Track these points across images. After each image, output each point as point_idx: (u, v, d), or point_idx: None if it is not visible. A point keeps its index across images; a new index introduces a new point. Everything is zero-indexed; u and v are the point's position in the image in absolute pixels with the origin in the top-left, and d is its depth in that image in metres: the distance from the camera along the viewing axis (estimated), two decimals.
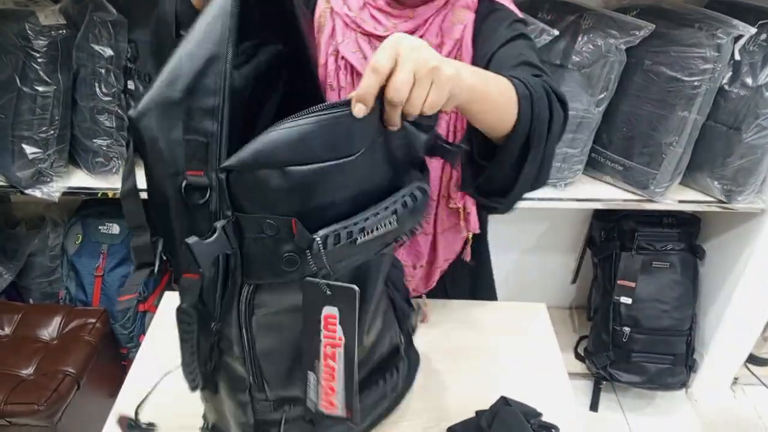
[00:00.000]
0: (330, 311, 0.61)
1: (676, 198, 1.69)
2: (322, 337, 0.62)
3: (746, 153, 1.57)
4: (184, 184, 0.57)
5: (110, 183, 1.69)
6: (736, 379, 2.12)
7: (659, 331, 1.92)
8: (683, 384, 1.99)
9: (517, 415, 0.96)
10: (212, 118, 0.56)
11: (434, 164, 1.02)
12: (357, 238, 0.58)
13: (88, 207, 1.91)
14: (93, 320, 1.77)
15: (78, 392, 1.62)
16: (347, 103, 0.54)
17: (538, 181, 0.77)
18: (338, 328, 0.61)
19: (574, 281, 2.33)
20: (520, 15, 0.95)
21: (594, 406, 2.05)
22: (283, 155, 0.52)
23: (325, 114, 0.53)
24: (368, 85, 0.54)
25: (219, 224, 0.56)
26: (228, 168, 0.54)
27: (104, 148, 1.64)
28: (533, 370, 1.12)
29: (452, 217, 1.08)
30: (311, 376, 0.65)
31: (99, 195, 1.69)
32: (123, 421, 0.96)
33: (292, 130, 0.52)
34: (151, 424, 0.96)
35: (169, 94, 0.55)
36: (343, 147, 0.55)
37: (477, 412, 0.98)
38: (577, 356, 2.15)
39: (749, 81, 1.50)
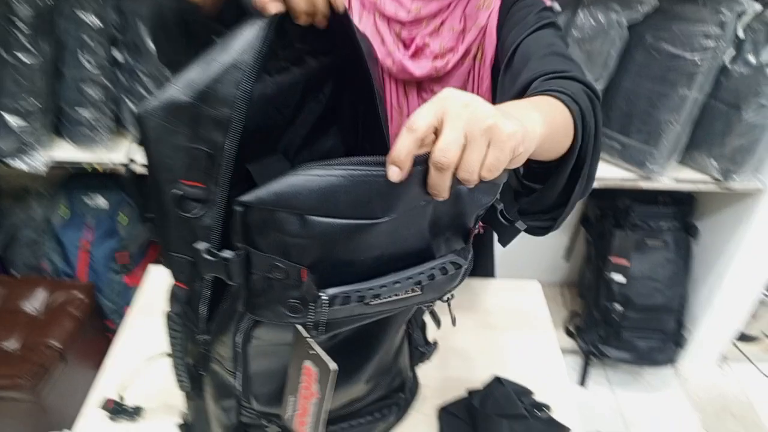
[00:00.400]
0: (310, 367, 0.59)
1: (673, 176, 1.67)
2: (301, 380, 0.61)
3: (745, 132, 1.55)
4: (178, 192, 0.54)
5: (97, 156, 1.64)
6: (724, 356, 2.13)
7: (650, 308, 1.93)
8: (671, 360, 2.01)
9: (509, 395, 0.96)
10: (221, 130, 0.52)
11: None
12: (369, 302, 0.54)
13: (74, 179, 1.87)
14: (79, 294, 1.74)
15: (63, 366, 1.60)
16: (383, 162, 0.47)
17: (586, 192, 0.71)
18: (314, 384, 0.60)
19: (566, 258, 2.33)
20: (548, 2, 0.90)
21: (583, 382, 2.06)
22: (305, 203, 0.48)
23: (357, 170, 0.47)
24: (403, 146, 0.45)
25: (227, 253, 0.54)
26: (246, 203, 0.50)
27: (91, 120, 1.59)
28: (527, 347, 1.11)
29: None
30: (291, 398, 0.64)
31: (89, 170, 1.64)
32: (108, 403, 0.95)
33: (320, 180, 0.47)
34: (137, 408, 0.95)
35: (178, 97, 0.52)
36: (372, 208, 0.50)
37: (469, 392, 0.98)
38: (568, 333, 2.15)
39: (752, 59, 1.47)
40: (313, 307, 0.53)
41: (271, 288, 0.54)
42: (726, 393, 2.05)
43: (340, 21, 0.63)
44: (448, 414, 0.94)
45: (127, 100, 1.63)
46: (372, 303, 0.54)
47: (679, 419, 1.96)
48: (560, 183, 0.65)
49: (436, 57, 0.91)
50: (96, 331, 1.80)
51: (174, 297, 0.63)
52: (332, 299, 0.53)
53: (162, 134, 0.54)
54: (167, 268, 0.64)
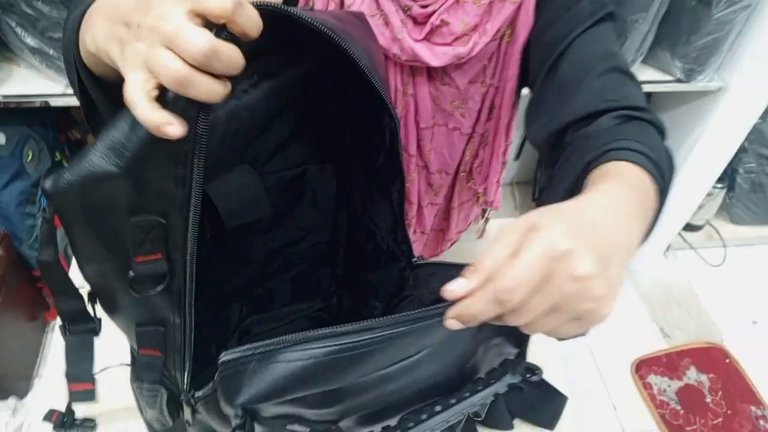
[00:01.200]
0: None
1: None
2: None
3: (713, 30, 1.44)
4: (131, 275, 0.43)
5: None
6: (668, 245, 2.18)
7: None
8: None
9: None
10: (169, 200, 0.41)
11: (456, 140, 0.83)
12: None
13: None
14: None
15: None
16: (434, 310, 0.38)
17: None
18: None
19: (517, 158, 2.25)
20: None
21: None
22: (322, 379, 0.39)
23: (391, 330, 0.38)
24: (480, 312, 0.36)
25: None
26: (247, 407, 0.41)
27: None
28: None
29: (471, 192, 0.93)
30: None
31: None
32: (54, 415, 0.83)
33: (341, 349, 0.38)
34: (88, 420, 0.83)
35: (104, 167, 0.39)
36: (406, 353, 0.42)
37: None
38: None
39: None
40: None
41: None
42: (671, 282, 2.13)
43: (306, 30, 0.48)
44: None
45: (9, 21, 1.35)
46: None
47: (629, 311, 2.03)
48: None
49: (456, 39, 0.70)
50: (21, 283, 1.63)
51: (144, 366, 0.53)
52: None
53: (88, 212, 0.41)
54: (128, 337, 0.53)
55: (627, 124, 0.60)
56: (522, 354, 0.50)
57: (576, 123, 0.64)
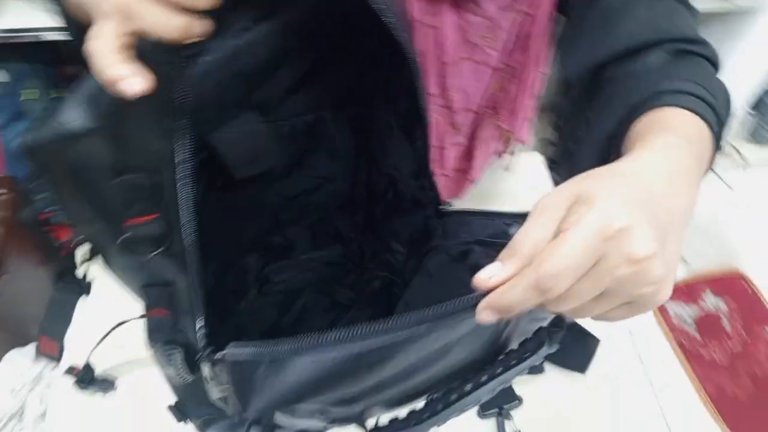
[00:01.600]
0: None
1: None
2: None
3: None
4: (123, 238, 0.41)
5: None
6: None
7: None
8: None
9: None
10: (158, 156, 0.36)
11: (482, 75, 0.77)
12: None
13: None
14: (1, 190, 1.51)
15: (6, 277, 1.43)
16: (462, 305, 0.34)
17: None
18: None
19: None
20: None
21: None
22: (339, 386, 0.35)
23: (413, 330, 0.33)
24: (519, 301, 0.32)
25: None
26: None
27: None
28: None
29: (495, 127, 0.87)
30: None
31: None
32: (74, 372, 0.82)
33: (359, 354, 0.34)
34: (107, 380, 0.82)
35: (79, 122, 0.35)
36: (432, 347, 0.38)
37: None
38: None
39: None
40: None
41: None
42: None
43: None
44: None
45: None
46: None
47: None
48: None
49: None
50: (30, 228, 1.61)
51: (153, 329, 0.50)
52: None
53: (72, 173, 0.37)
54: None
55: (680, 61, 0.54)
56: (559, 320, 0.46)
57: (620, 57, 0.58)
